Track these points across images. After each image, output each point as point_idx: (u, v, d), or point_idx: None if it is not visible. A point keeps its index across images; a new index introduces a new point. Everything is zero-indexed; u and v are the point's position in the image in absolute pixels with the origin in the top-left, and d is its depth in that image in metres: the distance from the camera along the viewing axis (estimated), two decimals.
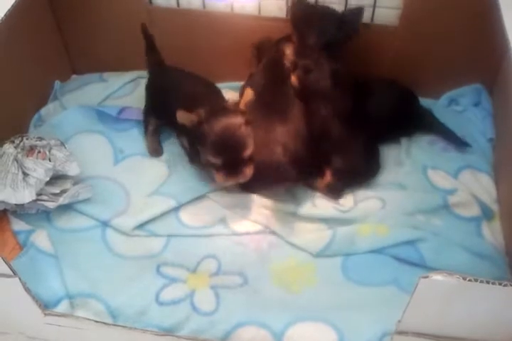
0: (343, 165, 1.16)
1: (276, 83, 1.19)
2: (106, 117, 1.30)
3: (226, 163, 1.02)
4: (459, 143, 1.23)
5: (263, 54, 1.22)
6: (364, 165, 1.18)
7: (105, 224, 1.12)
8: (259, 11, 1.28)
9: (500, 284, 0.65)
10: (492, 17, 0.97)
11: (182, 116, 1.03)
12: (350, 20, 1.18)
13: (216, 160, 1.02)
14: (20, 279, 0.74)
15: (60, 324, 0.82)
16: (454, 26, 1.19)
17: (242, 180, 1.04)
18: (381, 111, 1.21)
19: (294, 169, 1.08)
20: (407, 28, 1.22)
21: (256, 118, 1.16)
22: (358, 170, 1.18)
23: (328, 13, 1.20)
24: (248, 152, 1.02)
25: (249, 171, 1.03)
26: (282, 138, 1.10)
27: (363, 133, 1.17)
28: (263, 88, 1.21)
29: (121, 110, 1.31)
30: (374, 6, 1.23)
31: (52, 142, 1.16)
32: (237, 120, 1.02)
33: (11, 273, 0.74)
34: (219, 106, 1.06)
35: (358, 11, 1.19)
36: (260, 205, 1.14)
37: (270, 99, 1.17)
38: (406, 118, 1.24)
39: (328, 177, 1.17)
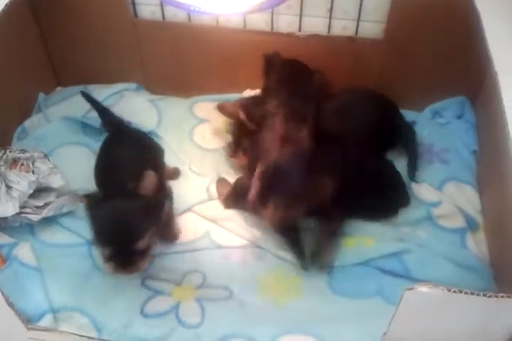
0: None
1: None
2: (90, 129, 1.30)
3: (115, 253, 0.91)
4: (411, 171, 1.21)
5: (270, 68, 1.21)
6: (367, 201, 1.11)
7: (90, 241, 1.11)
8: (245, 24, 1.29)
9: (484, 295, 0.65)
10: (475, 31, 0.98)
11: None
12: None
13: (104, 250, 0.92)
14: (2, 293, 0.73)
15: (43, 338, 0.81)
16: (438, 39, 1.20)
17: (133, 272, 0.94)
18: (362, 125, 1.19)
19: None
20: (391, 42, 1.24)
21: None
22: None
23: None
24: (143, 243, 0.91)
25: (142, 264, 0.93)
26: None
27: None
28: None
29: None
30: (358, 20, 1.24)
31: (36, 154, 1.15)
32: (136, 206, 0.92)
33: None
34: (123, 190, 0.96)
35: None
36: (244, 219, 1.14)
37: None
38: (386, 131, 1.24)
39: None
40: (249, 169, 1.11)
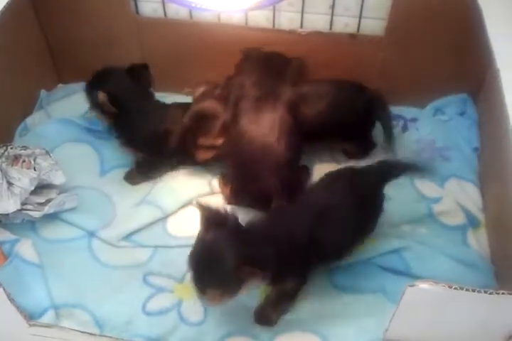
0: None
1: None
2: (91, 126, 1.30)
3: None
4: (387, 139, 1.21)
5: (248, 62, 1.21)
6: None
7: (91, 234, 1.11)
8: (246, 21, 1.29)
9: (485, 292, 0.66)
10: (477, 28, 0.98)
11: None
12: None
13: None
14: (4, 290, 0.73)
15: (45, 335, 0.81)
16: (439, 36, 1.20)
17: None
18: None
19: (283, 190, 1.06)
20: (392, 39, 1.23)
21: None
22: None
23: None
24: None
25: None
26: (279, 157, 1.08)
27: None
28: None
29: None
30: (360, 17, 1.24)
31: (37, 151, 1.15)
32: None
33: None
34: None
35: None
36: (247, 214, 1.14)
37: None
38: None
39: None
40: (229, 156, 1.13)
